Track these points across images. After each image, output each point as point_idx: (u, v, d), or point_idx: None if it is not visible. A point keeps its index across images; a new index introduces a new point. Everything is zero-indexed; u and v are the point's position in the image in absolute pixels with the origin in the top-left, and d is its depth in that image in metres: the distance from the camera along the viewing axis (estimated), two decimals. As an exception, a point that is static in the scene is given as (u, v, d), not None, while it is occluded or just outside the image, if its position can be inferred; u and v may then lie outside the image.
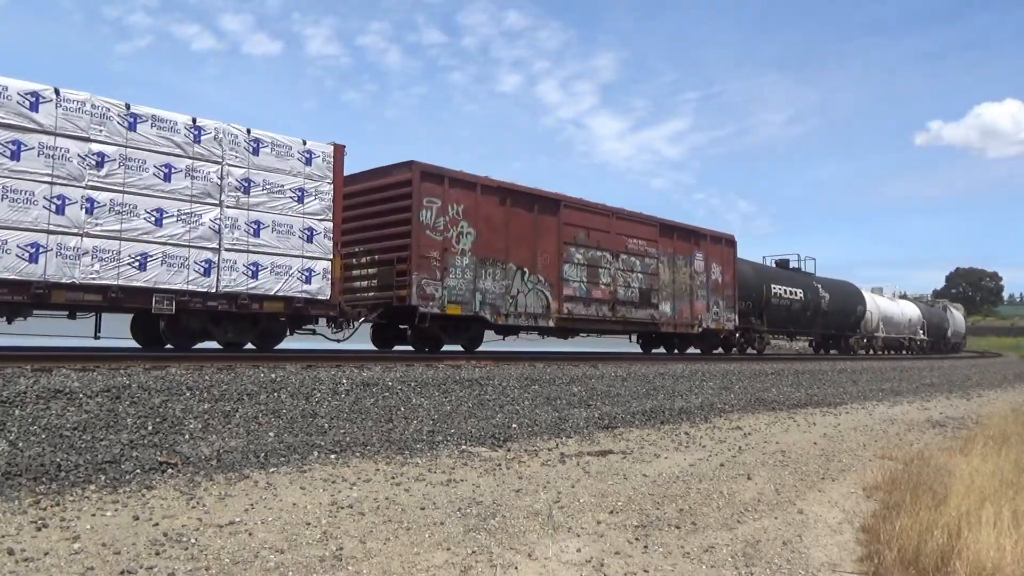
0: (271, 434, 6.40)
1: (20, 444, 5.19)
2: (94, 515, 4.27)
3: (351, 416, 7.24)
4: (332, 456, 6.18)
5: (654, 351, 19.68)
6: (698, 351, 20.01)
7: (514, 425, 8.08)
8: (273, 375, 7.72)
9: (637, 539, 4.54)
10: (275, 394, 7.19)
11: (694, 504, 5.46)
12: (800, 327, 25.55)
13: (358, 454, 6.34)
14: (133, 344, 10.62)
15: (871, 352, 31.97)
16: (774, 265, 26.29)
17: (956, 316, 47.88)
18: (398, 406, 7.80)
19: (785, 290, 23.69)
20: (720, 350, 21.31)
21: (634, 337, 19.05)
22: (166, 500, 4.67)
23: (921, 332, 37.65)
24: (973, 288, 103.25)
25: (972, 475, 6.02)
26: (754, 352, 22.52)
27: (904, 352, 36.23)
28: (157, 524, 4.18)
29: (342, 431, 6.84)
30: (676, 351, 19.61)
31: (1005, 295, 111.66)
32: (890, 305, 34.60)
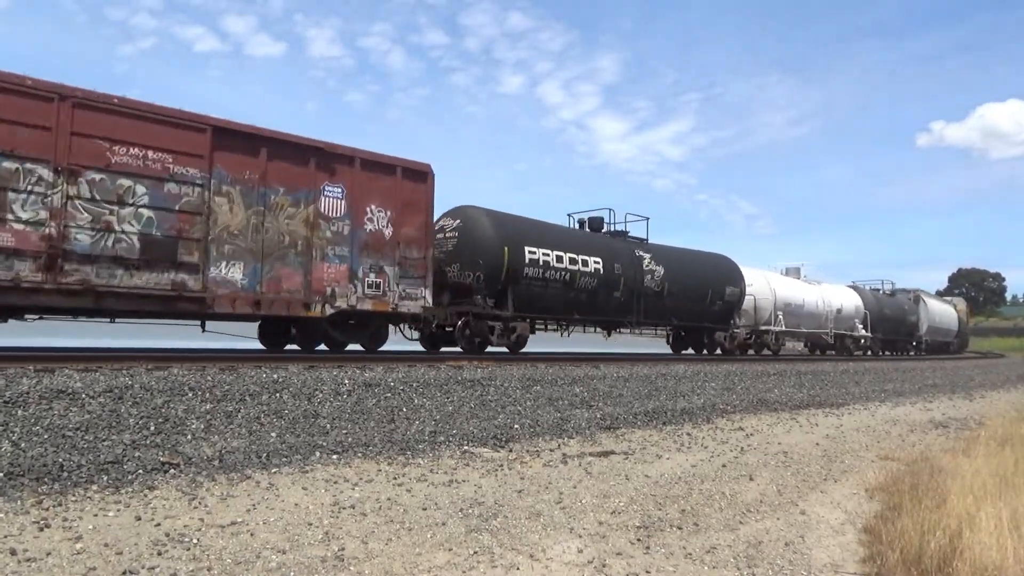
0: (273, 434, 6.41)
1: (23, 444, 5.21)
2: (96, 515, 4.28)
3: (353, 417, 7.24)
4: (334, 456, 6.18)
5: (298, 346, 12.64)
6: (362, 347, 12.42)
7: (516, 426, 8.08)
8: (275, 376, 7.73)
9: (639, 540, 4.54)
10: (277, 394, 7.20)
11: (696, 505, 5.46)
12: (598, 313, 16.35)
13: (360, 454, 6.34)
14: (137, 344, 10.62)
15: (765, 352, 23.68)
16: (578, 226, 17.60)
17: (937, 311, 38.73)
18: (400, 407, 7.80)
19: (559, 257, 14.89)
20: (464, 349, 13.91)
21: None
22: (168, 500, 4.67)
23: (861, 327, 28.89)
24: (976, 289, 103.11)
25: (974, 476, 6.01)
26: (506, 351, 14.27)
27: (817, 352, 28.22)
28: (159, 524, 4.19)
29: (344, 431, 6.84)
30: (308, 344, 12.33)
31: (1008, 296, 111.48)
32: (800, 289, 25.34)
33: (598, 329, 18.06)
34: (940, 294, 54.79)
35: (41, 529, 3.97)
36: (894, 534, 4.62)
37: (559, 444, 7.60)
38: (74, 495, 4.64)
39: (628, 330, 18.42)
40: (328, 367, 8.78)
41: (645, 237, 18.66)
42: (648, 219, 18.90)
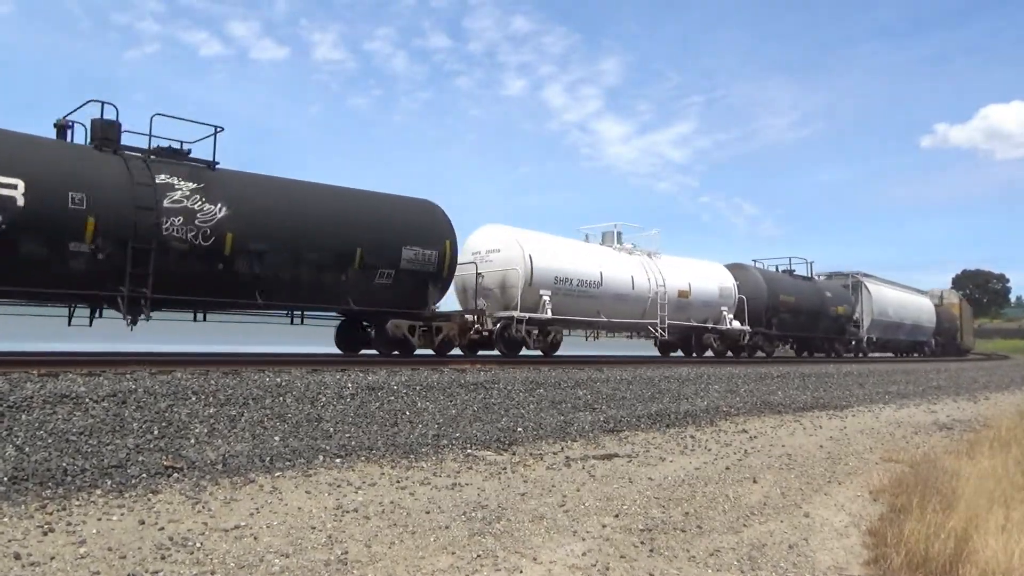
0: (276, 438, 6.41)
1: (27, 449, 5.21)
2: (100, 520, 4.28)
3: (356, 420, 7.24)
4: (337, 460, 6.18)
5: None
6: None
7: (519, 429, 8.07)
8: (278, 379, 7.73)
9: (642, 543, 4.53)
10: (280, 398, 7.21)
11: (699, 507, 5.45)
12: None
13: (363, 458, 6.34)
14: (140, 348, 10.63)
15: (527, 352, 14.91)
16: (57, 134, 10.02)
17: (890, 301, 29.89)
18: (403, 410, 7.80)
19: None
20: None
21: None
22: (172, 504, 4.68)
23: (731, 318, 20.11)
24: (980, 290, 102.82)
25: (980, 478, 6.00)
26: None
27: (678, 353, 20.69)
28: (163, 528, 4.19)
29: (347, 435, 6.84)
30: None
31: (1012, 297, 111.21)
32: (593, 260, 16.58)
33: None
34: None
35: (45, 533, 3.98)
36: (899, 536, 4.61)
37: (562, 447, 7.60)
38: (78, 499, 4.64)
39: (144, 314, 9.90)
40: (331, 371, 8.78)
41: (212, 160, 10.71)
42: (219, 130, 10.79)
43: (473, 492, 5.49)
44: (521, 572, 3.91)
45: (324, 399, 7.48)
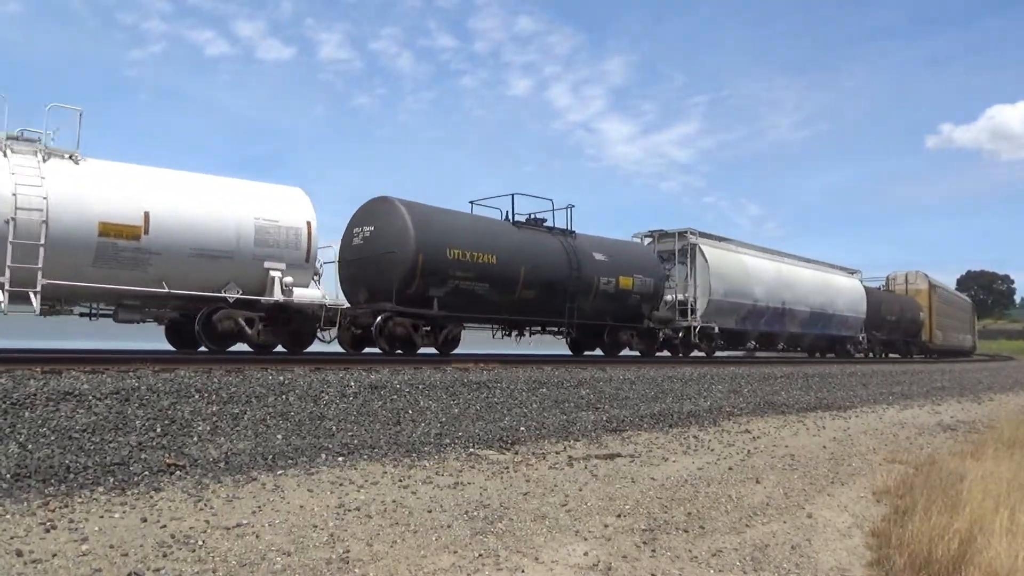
0: (279, 436, 6.41)
1: (30, 446, 5.22)
2: (102, 517, 4.29)
3: (359, 419, 7.24)
4: (340, 458, 6.18)
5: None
6: None
7: (522, 428, 8.07)
8: (281, 378, 7.73)
9: (645, 543, 4.52)
10: (283, 396, 7.20)
11: (702, 508, 5.43)
12: None
13: (366, 456, 6.34)
14: (143, 346, 10.64)
15: None
16: None
17: (748, 272, 20.19)
18: (406, 409, 7.80)
19: None
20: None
21: None
22: (174, 502, 4.68)
23: (287, 281, 10.78)
24: (985, 291, 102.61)
25: (984, 479, 5.97)
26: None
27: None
28: (165, 526, 4.19)
29: (350, 433, 6.84)
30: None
31: (1017, 298, 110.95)
32: None
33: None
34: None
35: (47, 530, 3.98)
36: (902, 538, 4.60)
37: (565, 446, 7.59)
38: (80, 497, 4.65)
39: None
40: (334, 369, 8.78)
41: None
42: None
43: (475, 491, 5.48)
44: (523, 572, 3.90)
45: (327, 397, 7.48)
